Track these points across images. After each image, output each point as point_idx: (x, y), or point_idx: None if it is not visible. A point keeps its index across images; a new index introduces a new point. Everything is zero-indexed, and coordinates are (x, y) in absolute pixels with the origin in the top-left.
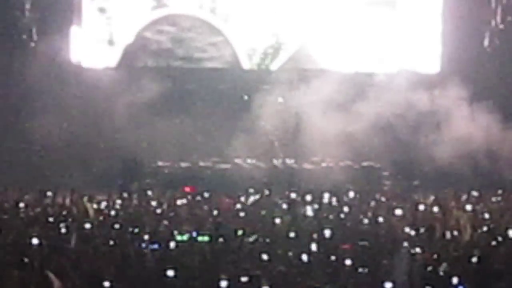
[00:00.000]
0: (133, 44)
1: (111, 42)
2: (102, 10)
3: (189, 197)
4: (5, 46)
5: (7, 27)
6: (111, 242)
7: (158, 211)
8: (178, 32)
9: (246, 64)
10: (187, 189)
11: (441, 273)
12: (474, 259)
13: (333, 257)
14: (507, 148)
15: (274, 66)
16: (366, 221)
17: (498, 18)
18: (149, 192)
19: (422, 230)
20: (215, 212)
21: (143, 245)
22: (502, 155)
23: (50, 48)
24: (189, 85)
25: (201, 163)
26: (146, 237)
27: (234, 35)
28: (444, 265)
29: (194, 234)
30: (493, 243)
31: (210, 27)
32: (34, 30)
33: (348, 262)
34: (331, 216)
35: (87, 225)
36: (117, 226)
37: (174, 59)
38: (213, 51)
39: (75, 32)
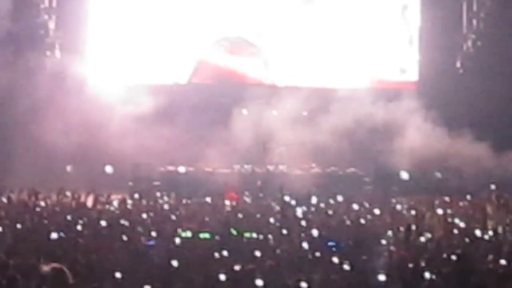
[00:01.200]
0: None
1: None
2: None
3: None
4: (31, 62)
5: (32, 45)
6: (124, 238)
7: (166, 209)
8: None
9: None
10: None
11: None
12: (451, 257)
13: (318, 253)
14: (474, 158)
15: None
16: (348, 222)
17: (469, 43)
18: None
19: (399, 230)
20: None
21: (151, 241)
22: (470, 165)
23: (71, 64)
24: (193, 101)
25: (206, 169)
26: (153, 233)
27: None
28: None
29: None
30: (464, 242)
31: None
32: (57, 48)
33: (334, 258)
34: (318, 217)
35: (102, 223)
36: (127, 223)
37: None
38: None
39: (94, 50)
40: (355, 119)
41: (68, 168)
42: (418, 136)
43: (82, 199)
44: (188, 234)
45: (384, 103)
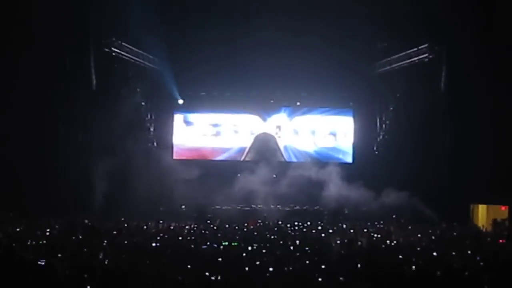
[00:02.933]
0: None
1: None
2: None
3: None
4: (141, 149)
5: (143, 140)
6: (191, 245)
7: (214, 229)
8: None
9: None
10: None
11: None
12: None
13: (298, 253)
14: (383, 203)
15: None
16: (315, 233)
17: (380, 137)
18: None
19: (343, 240)
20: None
21: (204, 246)
22: (383, 206)
23: (162, 151)
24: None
25: (238, 207)
26: (208, 243)
27: None
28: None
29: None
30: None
31: None
32: (154, 142)
33: (309, 251)
34: (299, 232)
35: (179, 238)
36: (193, 238)
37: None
38: None
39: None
40: (320, 182)
41: (161, 208)
42: (351, 188)
43: (168, 225)
44: (226, 243)
45: (330, 171)
